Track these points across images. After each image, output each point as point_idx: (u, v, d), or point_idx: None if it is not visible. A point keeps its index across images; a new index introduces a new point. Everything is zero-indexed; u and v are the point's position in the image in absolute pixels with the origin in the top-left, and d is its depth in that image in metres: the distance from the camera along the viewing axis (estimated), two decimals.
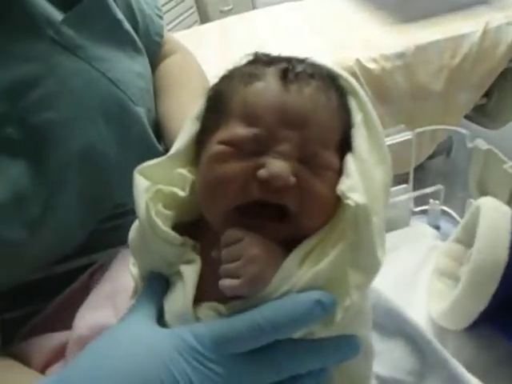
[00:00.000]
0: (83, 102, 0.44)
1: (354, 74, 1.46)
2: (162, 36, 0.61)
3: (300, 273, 0.26)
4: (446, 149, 1.39)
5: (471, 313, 0.39)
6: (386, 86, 1.53)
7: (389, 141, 0.52)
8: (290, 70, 0.29)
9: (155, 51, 0.60)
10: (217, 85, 0.33)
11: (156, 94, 0.55)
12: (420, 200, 0.60)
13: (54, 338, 0.42)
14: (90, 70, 0.45)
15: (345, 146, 0.30)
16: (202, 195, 0.30)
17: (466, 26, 1.50)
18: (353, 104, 0.31)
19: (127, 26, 0.51)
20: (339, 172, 0.28)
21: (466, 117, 1.73)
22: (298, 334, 0.26)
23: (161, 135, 0.53)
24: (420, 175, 0.62)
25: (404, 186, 0.57)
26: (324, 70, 0.32)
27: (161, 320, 0.29)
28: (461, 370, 0.35)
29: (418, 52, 1.49)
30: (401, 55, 1.50)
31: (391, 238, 0.57)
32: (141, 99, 0.49)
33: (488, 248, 0.37)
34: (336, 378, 0.29)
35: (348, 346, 0.27)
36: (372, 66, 1.50)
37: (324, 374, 0.27)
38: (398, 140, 0.52)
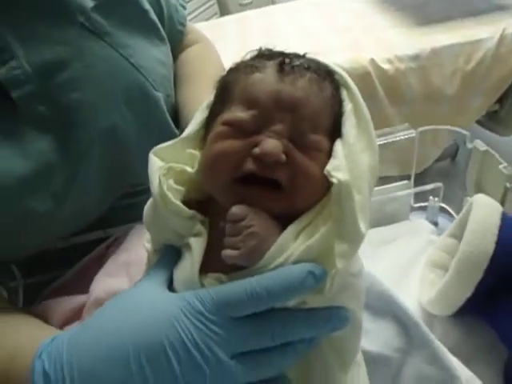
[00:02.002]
0: (107, 84, 0.47)
1: (368, 74, 1.48)
2: (184, 25, 0.64)
3: (294, 246, 0.29)
4: (451, 154, 1.40)
5: (457, 300, 0.42)
6: (399, 87, 1.54)
7: (392, 138, 0.54)
8: (287, 63, 0.33)
9: (177, 40, 0.63)
10: (224, 76, 0.37)
11: (176, 81, 0.58)
12: (420, 197, 0.62)
13: (73, 300, 0.46)
14: (116, 55, 0.48)
15: (335, 132, 0.33)
16: (204, 168, 0.33)
17: (483, 31, 1.51)
18: (344, 95, 0.35)
19: (153, 15, 0.54)
20: (329, 155, 0.32)
21: (478, 122, 1.73)
22: (291, 303, 0.29)
23: (178, 121, 0.56)
24: (422, 174, 0.65)
25: (405, 182, 0.60)
26: (321, 65, 0.35)
27: (170, 288, 0.33)
28: (443, 349, 0.38)
29: (433, 55, 1.50)
30: (416, 57, 1.51)
31: (390, 230, 0.60)
32: (161, 85, 0.52)
33: (476, 240, 0.40)
34: (326, 350, 0.32)
35: (337, 316, 0.30)
36: (386, 66, 1.51)
37: (315, 342, 0.31)
38: (401, 137, 0.54)
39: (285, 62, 0.33)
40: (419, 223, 0.60)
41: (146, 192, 0.35)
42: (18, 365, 0.30)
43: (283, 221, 0.31)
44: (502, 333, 0.41)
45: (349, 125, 0.33)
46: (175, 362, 0.27)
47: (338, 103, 0.34)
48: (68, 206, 0.45)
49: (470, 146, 0.50)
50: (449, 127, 0.54)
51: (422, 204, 0.63)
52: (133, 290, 0.32)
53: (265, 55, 0.35)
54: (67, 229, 0.49)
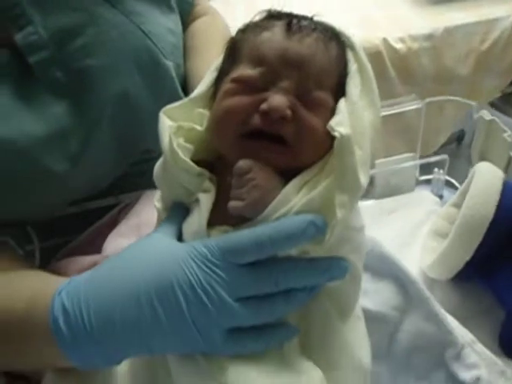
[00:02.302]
0: (120, 51, 0.48)
1: (379, 53, 1.46)
2: None
3: (297, 198, 0.30)
4: (459, 138, 1.38)
5: (457, 263, 0.43)
6: (411, 66, 1.52)
7: (399, 108, 0.55)
8: (295, 23, 0.34)
9: (187, 11, 0.63)
10: (232, 37, 0.38)
11: (185, 52, 0.59)
12: (427, 170, 0.63)
13: (86, 259, 0.49)
14: (127, 22, 0.49)
15: (340, 91, 0.34)
16: (213, 123, 0.35)
17: (499, 10, 1.47)
18: (350, 56, 0.36)
19: None
20: (333, 113, 0.32)
21: (492, 105, 1.70)
22: (294, 252, 0.31)
23: (187, 91, 0.57)
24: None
25: (411, 154, 0.60)
26: (328, 27, 0.36)
27: (180, 241, 0.34)
28: (438, 307, 0.39)
29: (447, 34, 1.47)
30: (429, 37, 1.48)
31: (395, 201, 0.61)
32: (171, 54, 0.53)
33: (476, 205, 0.41)
34: (327, 300, 0.34)
35: (337, 266, 0.32)
36: (399, 45, 1.48)
37: (315, 290, 0.32)
38: (408, 108, 0.55)
39: (292, 22, 0.34)
40: (423, 194, 0.61)
41: (155, 160, 0.37)
42: (39, 304, 0.32)
43: (288, 176, 0.32)
44: (500, 295, 0.42)
45: (353, 84, 0.34)
46: (183, 300, 0.29)
47: (343, 63, 0.35)
48: (82, 167, 0.47)
49: (476, 116, 0.51)
50: (456, 98, 0.54)
51: (428, 177, 0.63)
52: (144, 239, 0.34)
53: (273, 16, 0.36)
54: (82, 191, 0.51)
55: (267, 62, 0.33)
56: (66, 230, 0.57)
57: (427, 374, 0.39)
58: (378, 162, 0.61)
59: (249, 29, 0.36)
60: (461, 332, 0.39)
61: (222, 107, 0.33)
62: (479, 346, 0.39)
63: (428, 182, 0.64)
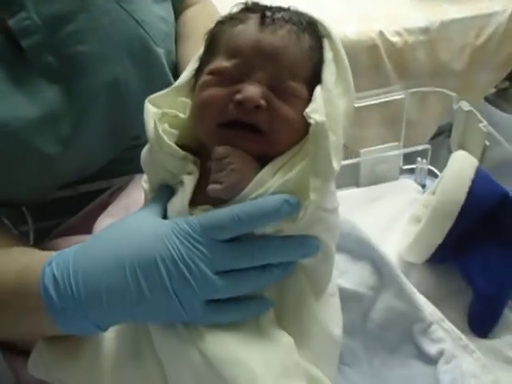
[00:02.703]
0: (111, 38, 0.50)
1: (376, 47, 1.46)
2: None
3: (272, 181, 0.33)
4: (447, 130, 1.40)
5: (430, 246, 0.45)
6: (407, 60, 1.52)
7: (383, 98, 0.57)
8: (269, 16, 0.35)
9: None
10: (211, 29, 0.39)
11: (177, 39, 0.61)
12: (410, 160, 0.65)
13: (78, 239, 0.51)
14: (119, 9, 0.50)
15: (316, 79, 0.35)
16: (193, 114, 0.37)
17: (495, 4, 1.47)
18: (326, 44, 0.37)
19: None
20: (308, 101, 0.34)
21: (487, 100, 1.72)
22: (269, 230, 0.33)
23: (178, 77, 0.59)
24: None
25: (395, 143, 0.62)
26: (303, 17, 0.38)
27: (165, 219, 0.36)
28: (409, 287, 0.42)
29: (443, 28, 1.48)
30: (425, 30, 1.49)
31: (379, 189, 0.64)
32: (162, 41, 0.55)
33: (448, 190, 0.43)
34: (302, 277, 0.36)
35: (310, 244, 0.34)
36: (395, 39, 1.49)
37: (290, 267, 0.34)
38: (391, 98, 0.56)
39: (266, 15, 0.35)
40: (406, 183, 0.63)
41: (145, 146, 0.39)
42: (30, 275, 0.34)
43: (265, 161, 0.34)
44: (469, 277, 0.44)
45: (328, 72, 0.36)
46: (165, 274, 0.31)
47: (318, 53, 0.37)
48: (73, 151, 0.49)
49: (455, 106, 0.52)
50: (438, 89, 0.56)
51: (412, 166, 0.65)
52: (130, 216, 0.36)
53: (250, 8, 0.38)
54: (73, 174, 0.53)
55: (241, 54, 0.34)
56: (59, 212, 0.59)
57: (397, 348, 0.41)
58: (363, 150, 0.63)
59: (226, 21, 0.38)
60: (430, 310, 0.42)
61: (200, 99, 0.35)
62: (447, 324, 0.41)
63: (412, 171, 0.66)
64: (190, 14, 0.65)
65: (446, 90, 0.54)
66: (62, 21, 0.46)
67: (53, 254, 0.36)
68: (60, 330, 0.34)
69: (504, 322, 0.45)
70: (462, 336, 0.41)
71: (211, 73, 0.35)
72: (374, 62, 1.48)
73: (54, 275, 0.32)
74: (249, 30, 0.35)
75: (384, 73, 1.51)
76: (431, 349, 0.39)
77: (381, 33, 1.47)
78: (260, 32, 0.35)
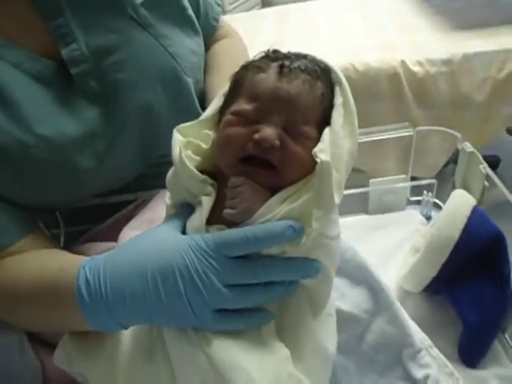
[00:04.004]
0: (147, 68, 0.55)
1: (397, 75, 1.50)
2: (217, 21, 0.73)
3: (280, 208, 0.37)
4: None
5: (425, 278, 0.48)
6: (428, 90, 1.54)
7: (393, 134, 0.61)
8: (286, 65, 0.40)
9: (210, 33, 0.71)
10: (237, 72, 0.45)
11: (205, 70, 0.67)
12: (417, 191, 0.68)
13: (104, 245, 0.56)
14: (156, 44, 0.56)
15: (325, 120, 0.40)
16: (217, 149, 0.42)
17: None
18: (337, 90, 0.42)
19: (190, 11, 0.62)
20: (317, 141, 0.39)
21: (509, 131, 1.72)
22: (275, 251, 0.37)
23: (204, 104, 0.65)
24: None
25: (403, 176, 0.66)
26: (318, 65, 0.42)
27: (184, 234, 0.41)
28: (401, 313, 0.45)
29: (465, 60, 1.50)
30: (447, 62, 1.51)
31: (385, 218, 0.67)
32: (191, 72, 0.60)
33: (444, 226, 0.46)
34: (302, 296, 0.40)
35: (311, 266, 0.38)
36: (416, 68, 1.52)
37: (292, 286, 0.38)
38: (399, 135, 0.60)
39: (284, 65, 0.40)
40: (411, 214, 0.67)
41: (170, 163, 0.44)
42: (67, 275, 0.40)
43: (275, 191, 0.39)
44: (459, 309, 0.47)
45: (337, 116, 0.40)
46: (181, 282, 0.35)
47: (329, 98, 0.41)
48: (106, 166, 0.54)
49: (459, 147, 0.56)
50: (443, 129, 0.60)
51: (418, 198, 0.68)
52: (154, 229, 0.41)
53: (270, 57, 0.43)
54: (104, 186, 0.59)
55: (261, 100, 0.39)
56: (88, 219, 0.65)
57: (387, 370, 0.44)
58: (372, 180, 0.67)
59: (249, 68, 0.43)
60: (420, 337, 0.45)
61: (224, 135, 0.40)
62: (435, 351, 0.44)
63: (419, 202, 0.69)
64: (218, 48, 0.71)
65: (450, 130, 0.58)
66: (107, 52, 0.53)
67: (85, 258, 0.41)
68: (87, 325, 0.38)
69: (493, 353, 0.47)
70: (449, 364, 0.44)
71: (234, 113, 0.40)
72: (395, 90, 1.51)
73: (86, 278, 0.38)
74: (269, 78, 0.40)
75: (404, 101, 1.54)
76: (418, 373, 0.42)
77: (403, 62, 1.51)
78: (278, 81, 0.39)
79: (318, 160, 0.37)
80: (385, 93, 1.52)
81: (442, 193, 0.67)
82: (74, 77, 0.51)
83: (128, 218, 0.60)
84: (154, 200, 0.60)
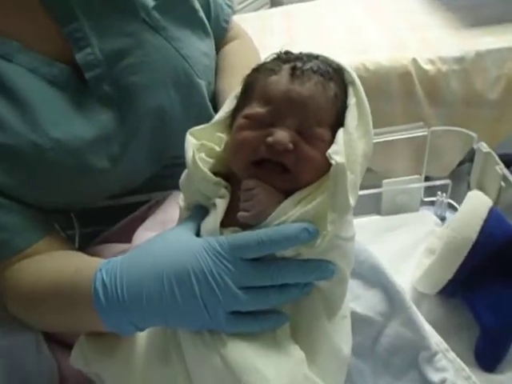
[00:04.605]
0: (160, 71, 0.56)
1: (408, 73, 1.49)
2: (228, 22, 0.73)
3: (294, 210, 0.37)
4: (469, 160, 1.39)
5: (440, 280, 0.48)
6: (440, 88, 1.53)
7: (406, 134, 0.60)
8: (299, 67, 0.40)
9: (221, 35, 0.71)
10: (249, 75, 0.44)
11: (216, 71, 0.67)
12: (431, 191, 0.68)
13: (118, 247, 0.57)
14: (168, 46, 0.57)
15: (339, 122, 0.40)
16: (230, 152, 0.42)
17: None
18: (350, 90, 0.41)
19: (201, 13, 0.63)
20: (331, 143, 0.38)
21: None
22: (289, 253, 0.37)
23: (216, 105, 0.65)
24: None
25: (417, 176, 0.65)
26: (331, 66, 0.42)
27: (198, 236, 0.41)
28: (417, 315, 0.44)
29: (478, 58, 1.48)
30: (459, 59, 1.49)
31: (398, 219, 0.66)
32: (204, 74, 0.61)
33: (461, 228, 0.45)
34: (317, 298, 0.40)
35: (325, 267, 0.38)
36: (428, 67, 1.50)
37: (307, 288, 0.38)
38: (414, 135, 0.60)
39: (296, 67, 0.40)
40: (425, 215, 0.66)
41: (183, 165, 0.44)
42: (84, 276, 0.40)
43: (288, 193, 0.39)
44: (476, 313, 0.46)
45: (351, 117, 0.40)
46: (196, 285, 0.36)
47: (342, 99, 0.41)
48: (120, 168, 0.55)
49: (475, 147, 0.55)
50: (459, 129, 0.59)
51: (432, 198, 0.68)
52: (169, 231, 0.41)
53: (281, 59, 0.43)
54: (118, 187, 0.59)
55: (274, 103, 0.39)
56: (102, 219, 0.65)
57: (403, 373, 0.44)
58: (385, 181, 0.66)
59: (261, 70, 0.43)
60: (436, 340, 0.44)
61: (237, 139, 0.40)
62: (451, 354, 0.43)
63: (432, 203, 0.68)
64: (229, 49, 0.71)
65: (466, 130, 0.57)
66: (120, 56, 0.53)
67: (102, 260, 0.41)
68: (103, 327, 0.39)
69: (510, 357, 0.46)
70: (466, 367, 0.43)
71: (247, 117, 0.40)
72: (407, 88, 1.50)
73: (103, 280, 0.38)
74: (281, 80, 0.40)
75: (416, 100, 1.52)
76: (434, 377, 0.42)
77: (414, 60, 1.49)
78: (291, 83, 0.39)
79: (333, 162, 0.36)
80: (396, 91, 1.51)
81: (457, 193, 0.66)
82: (89, 81, 0.51)
83: (141, 219, 0.61)
84: (166, 201, 0.61)
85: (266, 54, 0.46)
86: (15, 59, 0.47)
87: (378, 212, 0.70)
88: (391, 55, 1.52)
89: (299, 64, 0.40)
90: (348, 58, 1.46)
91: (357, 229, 0.42)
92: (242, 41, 0.74)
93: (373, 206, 0.70)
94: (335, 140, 0.38)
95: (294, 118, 0.38)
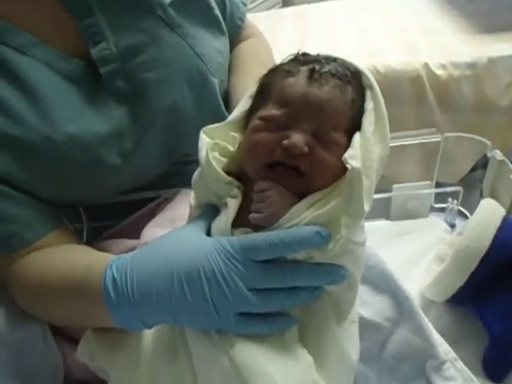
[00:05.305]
0: (174, 68, 0.56)
1: (419, 78, 1.48)
2: (243, 21, 0.73)
3: (307, 213, 0.36)
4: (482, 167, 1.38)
5: (450, 288, 0.47)
6: (451, 93, 1.52)
7: (419, 139, 0.59)
8: (317, 70, 0.39)
9: (236, 33, 0.71)
10: (265, 75, 0.44)
11: (230, 69, 0.67)
12: (441, 197, 0.67)
13: (126, 242, 0.57)
14: (183, 44, 0.57)
15: (356, 126, 0.39)
16: (244, 154, 0.41)
17: None
18: (368, 95, 0.41)
19: (217, 11, 0.62)
20: (347, 147, 0.38)
21: None
22: (301, 256, 0.37)
23: (228, 104, 0.65)
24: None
25: (428, 182, 0.65)
26: (349, 69, 0.41)
27: (209, 235, 0.41)
28: (426, 322, 0.44)
29: (490, 64, 1.47)
30: (471, 65, 1.48)
31: (408, 224, 0.66)
32: (217, 72, 0.60)
33: (473, 236, 0.45)
34: (327, 302, 0.40)
35: (337, 272, 0.37)
36: (439, 71, 1.49)
37: (317, 291, 0.38)
38: (427, 140, 0.59)
39: (315, 69, 0.39)
40: (435, 221, 0.65)
41: (193, 163, 0.44)
42: (94, 272, 0.40)
43: (301, 196, 0.38)
44: (485, 322, 0.46)
45: (368, 121, 0.39)
46: (206, 285, 0.35)
47: (359, 103, 0.40)
48: (132, 163, 0.55)
49: (489, 154, 0.54)
50: (473, 136, 0.58)
51: (442, 205, 0.67)
52: (180, 229, 0.41)
53: (299, 60, 0.42)
54: (129, 183, 0.59)
55: (290, 105, 0.39)
56: (111, 214, 0.66)
57: (409, 381, 0.44)
58: (395, 186, 0.66)
59: (278, 71, 0.42)
60: (445, 349, 0.44)
61: (251, 141, 0.40)
62: (460, 364, 0.43)
63: (443, 209, 0.68)
64: (243, 48, 0.71)
65: (479, 137, 0.56)
66: (135, 52, 0.53)
67: (112, 256, 0.41)
68: (112, 323, 0.39)
69: None
70: (474, 377, 0.43)
71: (262, 119, 0.40)
72: (418, 92, 1.49)
73: (113, 277, 0.38)
74: (298, 83, 0.39)
75: (427, 104, 1.52)
76: None
77: (426, 65, 1.49)
78: (308, 86, 0.39)
79: (349, 166, 0.36)
80: (406, 95, 1.50)
81: (467, 200, 0.66)
82: (103, 76, 0.51)
83: (150, 216, 0.61)
84: (176, 199, 0.61)
85: (275, 51, 0.45)
86: (30, 52, 0.47)
87: (388, 217, 0.70)
88: (402, 59, 1.51)
89: (317, 66, 0.40)
90: (358, 60, 1.45)
91: (366, 233, 0.41)
92: (257, 40, 0.73)
93: (382, 211, 0.69)
94: (351, 144, 0.38)
95: (311, 122, 0.38)
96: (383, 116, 0.40)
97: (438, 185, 0.68)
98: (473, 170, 1.38)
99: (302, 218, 0.36)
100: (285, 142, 0.37)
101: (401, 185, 0.65)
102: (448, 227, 0.65)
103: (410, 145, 0.62)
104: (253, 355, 0.35)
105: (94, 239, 0.63)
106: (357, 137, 0.38)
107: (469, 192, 0.66)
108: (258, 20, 1.73)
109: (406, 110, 1.50)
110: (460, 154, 1.35)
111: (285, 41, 1.67)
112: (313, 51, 0.44)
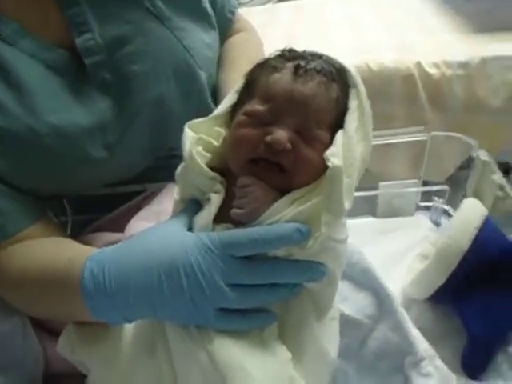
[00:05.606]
0: (161, 60, 0.55)
1: (411, 76, 1.48)
2: (233, 14, 0.72)
3: (288, 210, 0.36)
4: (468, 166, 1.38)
5: (431, 286, 0.48)
6: (443, 93, 1.52)
7: (406, 138, 0.60)
8: (302, 66, 0.39)
9: (226, 26, 0.70)
10: (251, 70, 0.44)
11: (220, 63, 0.66)
12: (427, 196, 0.67)
13: (111, 236, 0.56)
14: (171, 36, 0.56)
15: (339, 123, 0.39)
16: (228, 149, 0.41)
17: None
18: (353, 93, 0.41)
19: (206, 4, 0.62)
20: (330, 144, 0.38)
21: None
22: (281, 253, 0.37)
23: (217, 98, 0.64)
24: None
25: (414, 180, 0.65)
26: (334, 66, 0.41)
27: (190, 231, 0.41)
28: (405, 320, 0.44)
29: (483, 65, 1.47)
30: (464, 65, 1.48)
31: (393, 222, 0.66)
32: (205, 65, 0.60)
33: (455, 235, 0.45)
34: (306, 299, 0.40)
35: (316, 269, 0.37)
36: (432, 70, 1.49)
37: (296, 288, 0.38)
38: (413, 139, 0.59)
39: (300, 66, 0.39)
40: (421, 220, 0.66)
41: (179, 157, 0.43)
42: (75, 265, 0.40)
43: (283, 192, 0.38)
44: (464, 320, 0.46)
45: (351, 119, 0.39)
46: (184, 280, 0.35)
47: (343, 101, 0.40)
48: (117, 156, 0.54)
49: (474, 154, 0.55)
50: (459, 135, 0.59)
51: (428, 204, 0.67)
52: (161, 224, 0.41)
53: (285, 56, 0.42)
54: (114, 177, 0.59)
55: (275, 101, 0.38)
56: (96, 207, 0.65)
57: (388, 378, 0.44)
58: (382, 183, 0.66)
59: (264, 67, 0.42)
60: (424, 346, 0.44)
61: (235, 136, 0.40)
62: (438, 361, 0.44)
63: (428, 208, 0.68)
64: (233, 41, 0.70)
65: (465, 137, 0.57)
66: (121, 43, 0.52)
67: (93, 250, 0.41)
68: (91, 317, 0.39)
69: (496, 366, 0.47)
70: (452, 375, 0.43)
71: (246, 114, 0.40)
72: (409, 91, 1.49)
73: (92, 270, 0.38)
74: (283, 79, 0.39)
75: (419, 103, 1.52)
76: (419, 382, 0.42)
77: (418, 63, 1.48)
78: (293, 82, 0.38)
79: (330, 164, 0.36)
80: (398, 93, 1.50)
81: (453, 199, 0.66)
82: (88, 67, 0.51)
83: (135, 209, 0.60)
84: (161, 193, 0.60)
85: (267, 45, 0.45)
86: (18, 44, 0.47)
87: (373, 214, 0.70)
88: (396, 57, 1.51)
89: (303, 63, 0.40)
90: (352, 56, 1.45)
91: (350, 230, 0.41)
92: (247, 34, 0.73)
93: (368, 208, 0.70)
94: (334, 142, 0.38)
95: (294, 118, 0.38)
96: (367, 115, 0.40)
97: (424, 183, 0.68)
98: (460, 169, 1.39)
99: (282, 214, 0.36)
100: (268, 137, 0.37)
101: (387, 183, 0.65)
102: (433, 226, 0.65)
103: (398, 143, 0.62)
104: (231, 351, 0.35)
105: (78, 232, 0.63)
106: (339, 135, 0.38)
107: (455, 191, 0.66)
108: (252, 14, 1.72)
109: (397, 109, 1.51)
110: (447, 154, 1.36)
111: (278, 36, 1.66)
112: (306, 47, 0.44)
